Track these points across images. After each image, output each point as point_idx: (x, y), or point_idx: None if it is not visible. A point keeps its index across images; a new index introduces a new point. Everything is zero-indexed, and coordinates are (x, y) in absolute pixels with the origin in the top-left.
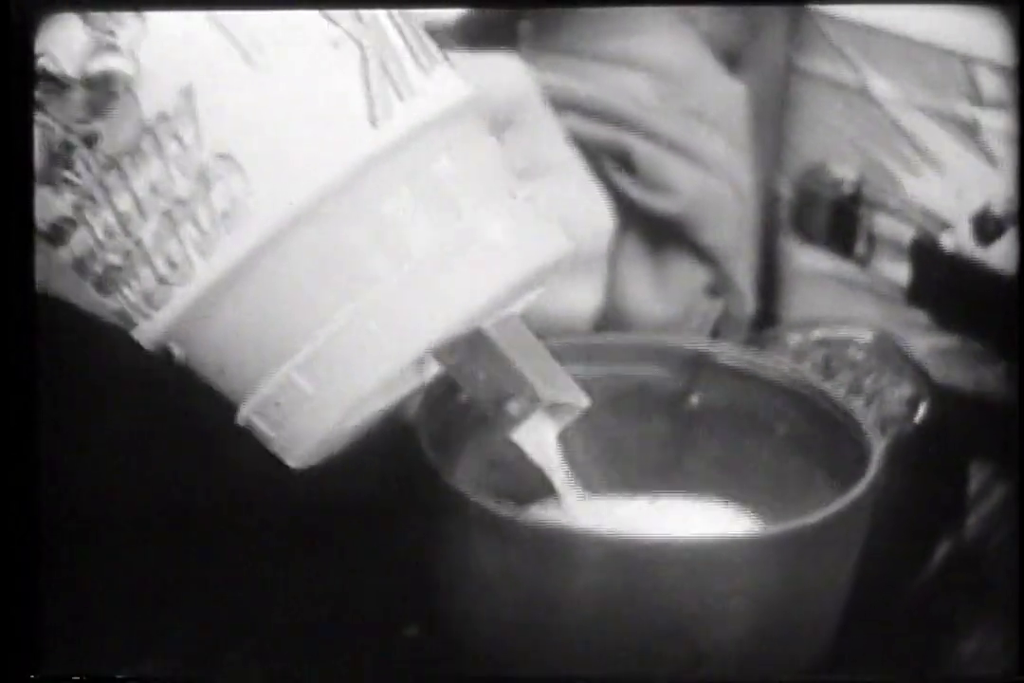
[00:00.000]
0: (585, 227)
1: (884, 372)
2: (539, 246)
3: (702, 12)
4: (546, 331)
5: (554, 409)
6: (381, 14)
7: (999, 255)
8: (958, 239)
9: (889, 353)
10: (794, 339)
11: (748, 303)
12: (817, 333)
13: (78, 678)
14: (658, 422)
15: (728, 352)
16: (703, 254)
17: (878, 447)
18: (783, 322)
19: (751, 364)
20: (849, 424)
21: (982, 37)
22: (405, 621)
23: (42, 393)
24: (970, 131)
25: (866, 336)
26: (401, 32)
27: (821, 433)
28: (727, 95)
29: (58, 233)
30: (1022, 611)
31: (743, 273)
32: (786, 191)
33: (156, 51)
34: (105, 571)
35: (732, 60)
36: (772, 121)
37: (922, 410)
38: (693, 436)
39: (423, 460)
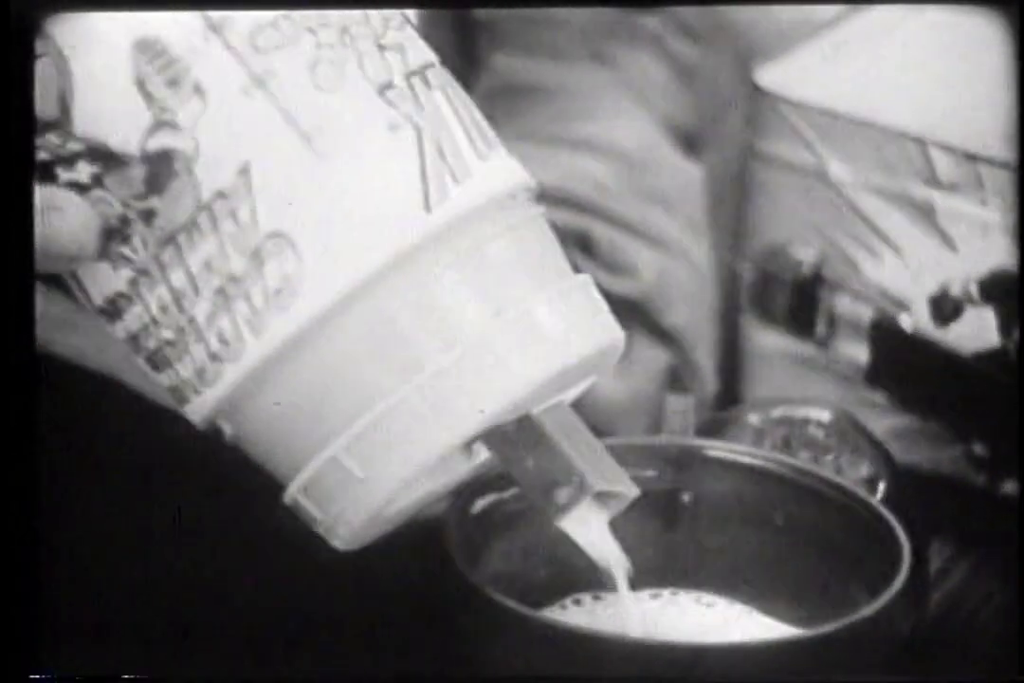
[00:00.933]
0: None
1: (843, 451)
2: (588, 334)
3: (659, 96)
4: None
5: (603, 497)
6: (440, 98)
7: (956, 336)
8: (916, 320)
9: (848, 432)
10: (754, 418)
11: (709, 383)
12: (777, 412)
13: (78, 678)
14: (652, 522)
15: (716, 446)
16: (664, 336)
17: (904, 540)
18: (743, 402)
19: (741, 456)
20: (867, 514)
21: (938, 119)
22: None
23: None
24: (926, 213)
25: (825, 415)
26: (458, 115)
27: (830, 524)
28: (684, 178)
29: (115, 308)
30: (1022, 611)
31: (705, 354)
32: (746, 273)
33: (215, 130)
34: (106, 571)
35: (690, 143)
36: (732, 203)
37: (881, 489)
38: (688, 533)
39: (450, 558)
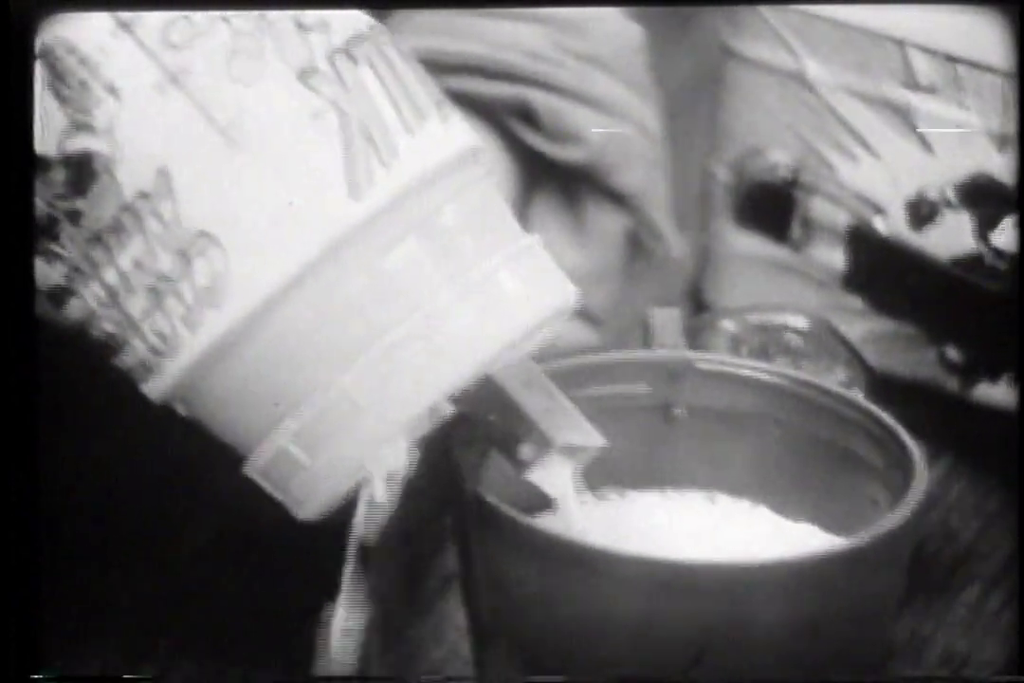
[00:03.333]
0: None
1: (820, 357)
2: (546, 294)
3: None
4: None
5: (569, 449)
6: (367, 74)
7: (933, 240)
8: (893, 224)
9: (825, 338)
10: (730, 325)
11: (674, 246)
12: (753, 319)
13: (78, 678)
14: (647, 435)
15: (708, 359)
16: (618, 199)
17: (913, 446)
18: (718, 307)
19: (734, 368)
20: (864, 422)
21: (917, 21)
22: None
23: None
24: (905, 116)
25: (802, 322)
26: (387, 90)
27: (829, 432)
28: (623, 37)
29: (56, 299)
30: (1022, 611)
31: (663, 215)
32: (722, 175)
33: (132, 129)
34: (104, 573)
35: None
36: (708, 104)
37: (857, 394)
38: (684, 443)
39: (461, 479)
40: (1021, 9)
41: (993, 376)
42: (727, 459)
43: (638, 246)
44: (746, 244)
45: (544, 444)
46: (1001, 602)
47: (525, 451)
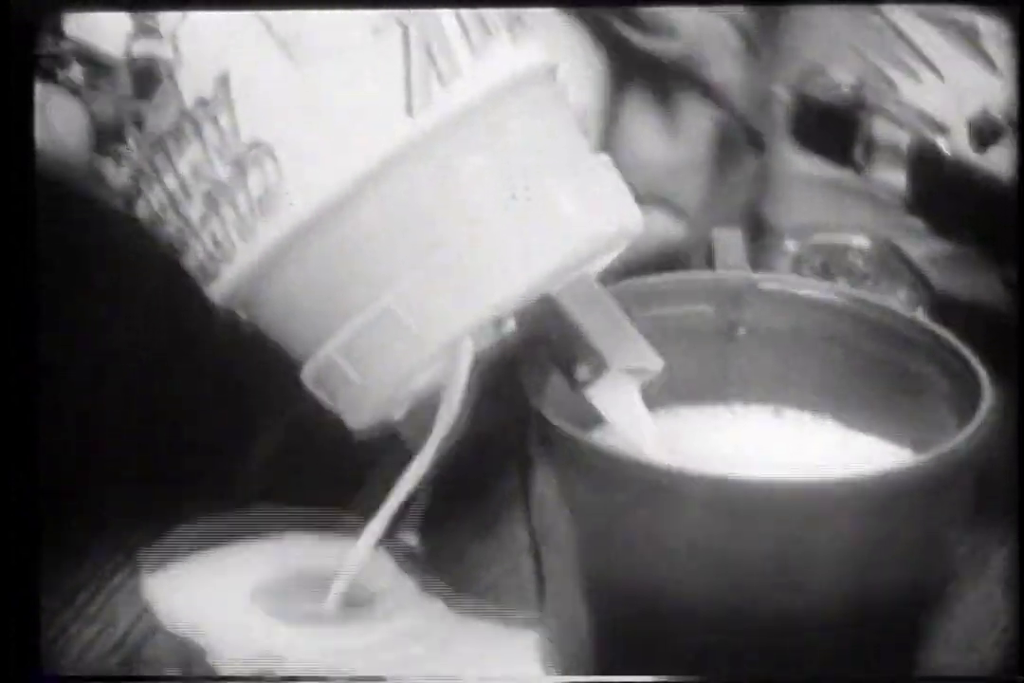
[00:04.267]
0: None
1: (882, 278)
2: (606, 217)
3: None
4: None
5: (627, 371)
6: None
7: (997, 160)
8: (956, 144)
9: (887, 259)
10: (792, 245)
11: (759, 136)
12: (815, 239)
13: (78, 678)
14: (709, 354)
15: (771, 279)
16: (709, 91)
17: (980, 371)
18: (780, 229)
19: (797, 289)
20: (930, 343)
21: None
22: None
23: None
24: (969, 36)
25: (864, 242)
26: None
27: (891, 351)
28: None
29: (126, 199)
30: (1022, 611)
31: (753, 112)
32: (783, 95)
33: (195, 38)
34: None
35: None
36: (771, 23)
37: (920, 315)
38: (744, 361)
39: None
40: (1021, 9)
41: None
42: (791, 377)
43: (728, 141)
44: (807, 165)
45: (600, 365)
46: None
47: (582, 372)
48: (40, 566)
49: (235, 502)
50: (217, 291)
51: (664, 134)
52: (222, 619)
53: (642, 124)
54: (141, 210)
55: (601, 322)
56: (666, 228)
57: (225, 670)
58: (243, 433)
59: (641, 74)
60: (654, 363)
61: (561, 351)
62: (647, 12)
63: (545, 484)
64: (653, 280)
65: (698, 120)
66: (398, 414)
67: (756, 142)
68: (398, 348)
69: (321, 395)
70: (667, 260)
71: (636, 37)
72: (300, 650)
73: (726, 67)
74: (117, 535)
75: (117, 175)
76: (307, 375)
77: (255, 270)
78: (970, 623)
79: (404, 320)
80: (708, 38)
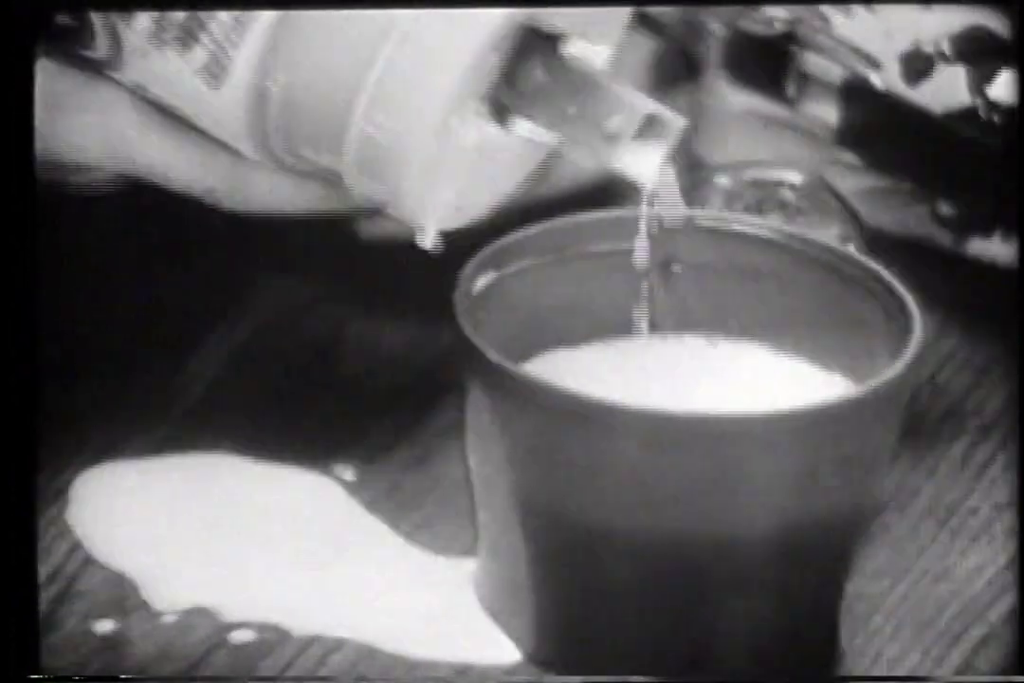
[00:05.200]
0: None
1: (815, 212)
2: None
3: None
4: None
5: (650, 131)
6: None
7: (928, 94)
8: (887, 78)
9: (819, 193)
10: (724, 180)
11: (694, 64)
12: (748, 174)
13: (78, 678)
14: (642, 290)
15: (702, 214)
16: (646, 22)
17: (912, 305)
18: (713, 163)
19: (727, 224)
20: (861, 276)
21: None
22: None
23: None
24: None
25: (796, 177)
26: None
27: (823, 284)
28: None
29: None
30: (1022, 611)
31: (687, 39)
32: (718, 29)
33: None
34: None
35: None
36: None
37: (852, 249)
38: (679, 295)
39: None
40: (1021, 9)
41: (986, 231)
42: (726, 310)
43: (663, 68)
44: (740, 100)
45: (632, 112)
46: (989, 454)
47: (611, 124)
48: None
49: (169, 419)
50: (245, 54)
51: None
52: (157, 554)
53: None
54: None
55: (614, 80)
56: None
57: (160, 607)
58: (188, 345)
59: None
60: (676, 117)
61: (583, 116)
62: None
63: (480, 416)
64: (587, 216)
65: (634, 49)
66: (462, 220)
67: (691, 69)
68: (424, 79)
69: (368, 188)
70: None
71: None
72: (241, 584)
73: None
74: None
75: None
76: (347, 167)
77: (265, 46)
78: (957, 476)
79: (424, 41)
80: None
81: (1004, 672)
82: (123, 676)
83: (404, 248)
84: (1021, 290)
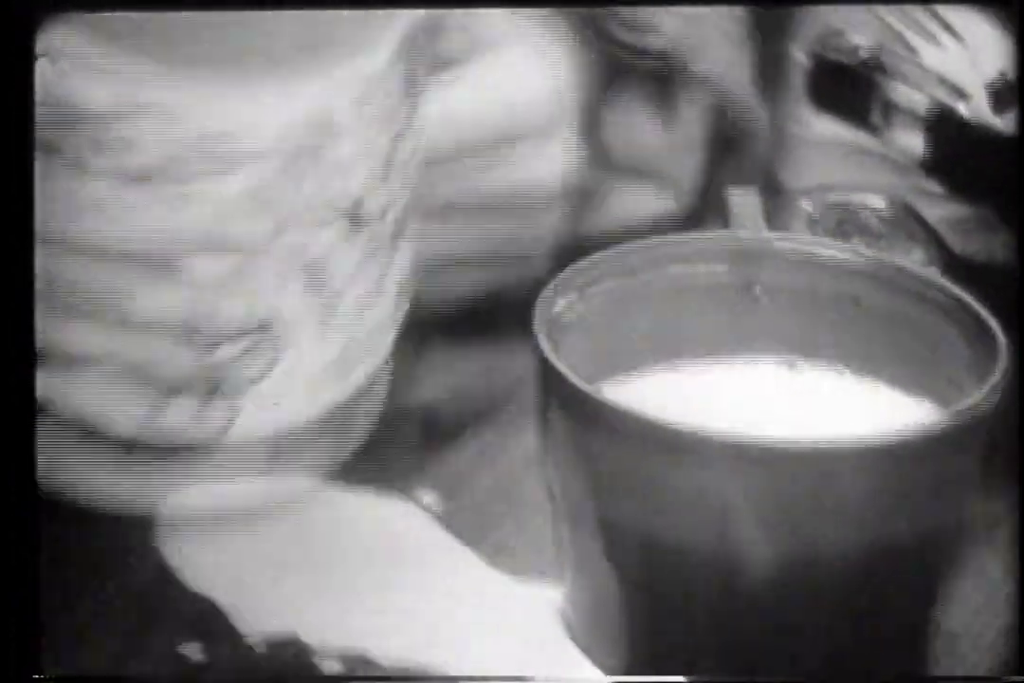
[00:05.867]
0: (525, 99)
1: (897, 238)
2: None
3: None
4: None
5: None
6: None
7: (1013, 123)
8: (973, 108)
9: (902, 219)
10: (807, 205)
11: (754, 112)
12: (831, 199)
13: (78, 678)
14: (725, 312)
15: (784, 238)
16: (700, 80)
17: (997, 331)
18: (795, 189)
19: (809, 247)
20: (946, 303)
21: None
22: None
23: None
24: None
25: (880, 202)
26: None
27: (907, 310)
28: None
29: None
30: (1022, 611)
31: (743, 88)
32: (801, 57)
33: None
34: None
35: None
36: None
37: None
38: (760, 318)
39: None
40: (1021, 9)
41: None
42: (807, 333)
43: (723, 122)
44: (824, 127)
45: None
46: None
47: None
48: (40, 565)
49: None
50: None
51: (658, 119)
52: (243, 580)
53: (635, 111)
54: None
55: None
56: (662, 206)
57: (246, 633)
58: None
59: (633, 67)
60: None
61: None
62: (633, 13)
63: (562, 441)
64: (670, 239)
65: (692, 105)
66: None
67: (748, 124)
68: None
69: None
70: (660, 232)
71: (626, 34)
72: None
73: (715, 57)
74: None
75: None
76: None
77: None
78: (969, 621)
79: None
80: (692, 31)
81: (1004, 672)
82: (122, 676)
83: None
84: (1021, 292)
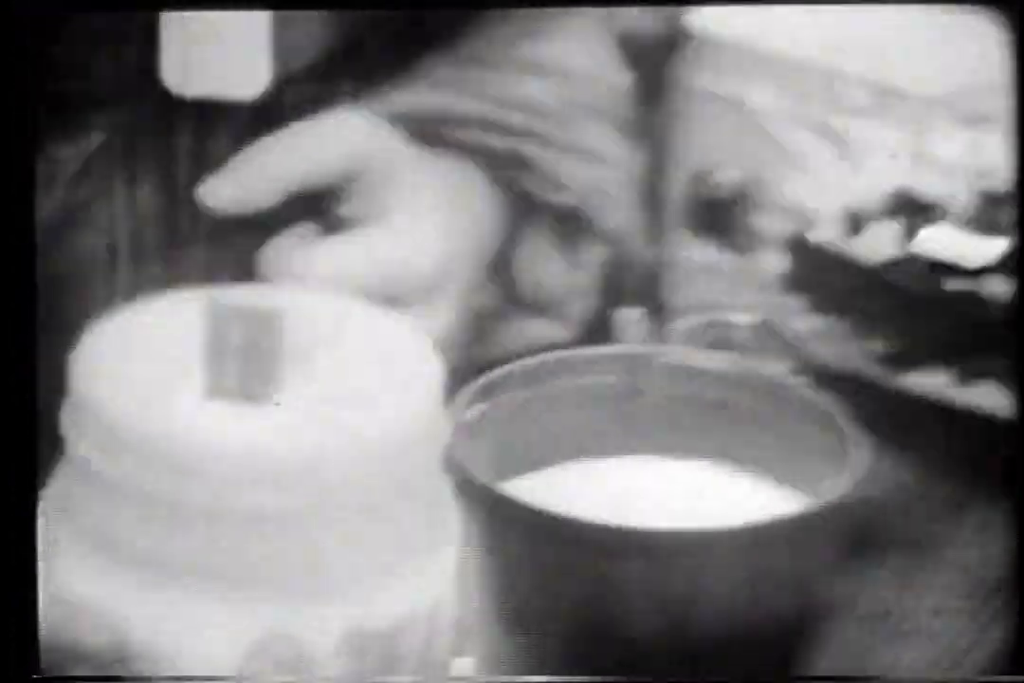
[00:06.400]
0: (403, 268)
1: (764, 349)
2: None
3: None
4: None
5: None
6: None
7: (862, 247)
8: (827, 233)
9: (769, 334)
10: (684, 324)
11: (640, 248)
12: (704, 318)
13: (78, 678)
14: (616, 416)
15: (666, 351)
16: (603, 235)
17: (851, 431)
18: (676, 307)
19: (689, 359)
20: (809, 406)
21: (849, 50)
22: None
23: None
24: (836, 138)
25: (748, 319)
26: None
27: (775, 411)
28: (619, 87)
29: None
30: (1022, 611)
31: (637, 247)
32: (676, 192)
33: None
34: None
35: (632, 54)
36: (661, 129)
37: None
38: (646, 422)
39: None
40: (1021, 9)
41: (917, 366)
42: (688, 433)
43: (618, 264)
44: (699, 252)
45: None
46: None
47: None
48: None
49: None
50: None
51: (564, 263)
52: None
53: (543, 255)
54: None
55: None
56: (552, 330)
57: None
58: None
59: (542, 215)
60: None
61: None
62: (542, 170)
63: (475, 536)
64: (568, 353)
65: (593, 255)
66: None
67: (636, 258)
68: None
69: None
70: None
71: (536, 189)
72: None
73: (618, 215)
74: None
75: None
76: None
77: None
78: (899, 589)
79: None
80: (599, 192)
81: (1004, 672)
82: (123, 676)
83: None
84: (1021, 293)
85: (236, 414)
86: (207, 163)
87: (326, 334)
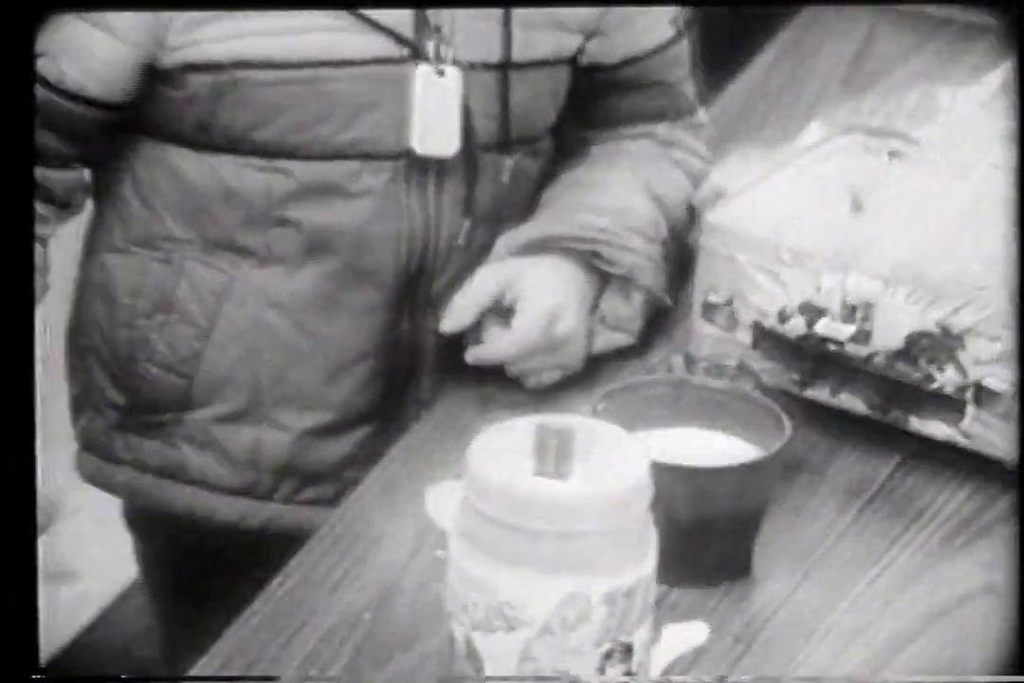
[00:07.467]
0: None
1: (740, 378)
2: None
3: None
4: None
5: None
6: None
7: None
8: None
9: (742, 370)
10: (702, 365)
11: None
12: (709, 360)
13: (78, 678)
14: (668, 410)
15: (695, 379)
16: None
17: (782, 417)
18: (696, 358)
19: (706, 382)
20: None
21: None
22: None
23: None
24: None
25: (733, 363)
26: None
27: (745, 406)
28: None
29: None
30: (1022, 611)
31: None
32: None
33: None
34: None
35: None
36: None
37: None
38: (686, 413)
39: None
40: (1021, 9)
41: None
42: (705, 418)
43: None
44: (708, 328)
45: None
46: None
47: None
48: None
49: None
50: None
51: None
52: None
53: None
54: None
55: None
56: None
57: None
58: None
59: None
60: None
61: None
62: (612, 258)
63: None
64: (647, 377)
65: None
66: None
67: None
68: None
69: None
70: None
71: (605, 267)
72: None
73: (647, 277)
74: None
75: None
76: None
77: None
78: (966, 625)
79: None
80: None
81: (1004, 672)
82: (123, 676)
83: None
84: (1022, 293)
85: (552, 483)
86: None
87: (584, 442)
